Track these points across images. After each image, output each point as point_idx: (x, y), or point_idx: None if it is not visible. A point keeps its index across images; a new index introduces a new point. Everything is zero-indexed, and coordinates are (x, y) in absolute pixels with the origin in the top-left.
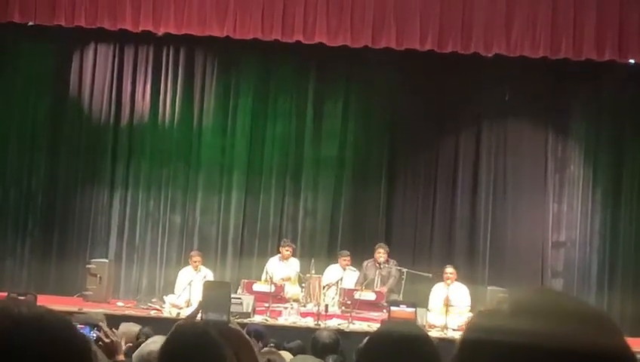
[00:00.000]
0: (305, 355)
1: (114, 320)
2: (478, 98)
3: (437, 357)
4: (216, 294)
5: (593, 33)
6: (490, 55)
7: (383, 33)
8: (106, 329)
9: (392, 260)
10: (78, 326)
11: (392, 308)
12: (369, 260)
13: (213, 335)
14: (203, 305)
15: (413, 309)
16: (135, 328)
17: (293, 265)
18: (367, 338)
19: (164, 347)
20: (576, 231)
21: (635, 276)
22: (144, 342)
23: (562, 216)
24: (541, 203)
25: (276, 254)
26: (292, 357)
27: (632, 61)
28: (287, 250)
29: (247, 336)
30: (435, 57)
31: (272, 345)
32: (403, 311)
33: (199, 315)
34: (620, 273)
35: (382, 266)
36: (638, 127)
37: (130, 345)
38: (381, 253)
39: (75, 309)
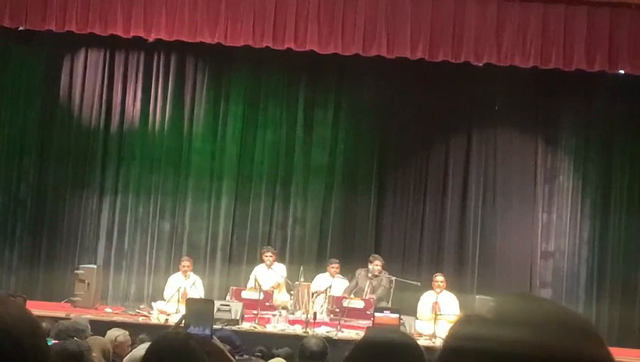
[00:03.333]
0: None
1: (102, 326)
2: (468, 107)
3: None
4: (200, 310)
5: (583, 44)
6: (480, 64)
7: (374, 41)
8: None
9: (384, 271)
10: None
11: (377, 315)
12: (362, 269)
13: (193, 346)
14: (187, 320)
15: (397, 315)
16: (117, 332)
17: (279, 270)
18: (352, 346)
19: (147, 354)
20: (565, 241)
21: (623, 286)
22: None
23: (551, 226)
24: (530, 213)
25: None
26: None
27: (622, 72)
28: (269, 256)
29: (229, 355)
30: (425, 66)
31: (261, 349)
32: (387, 316)
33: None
34: (608, 283)
35: (375, 276)
36: (628, 138)
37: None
38: (377, 265)
39: (63, 315)
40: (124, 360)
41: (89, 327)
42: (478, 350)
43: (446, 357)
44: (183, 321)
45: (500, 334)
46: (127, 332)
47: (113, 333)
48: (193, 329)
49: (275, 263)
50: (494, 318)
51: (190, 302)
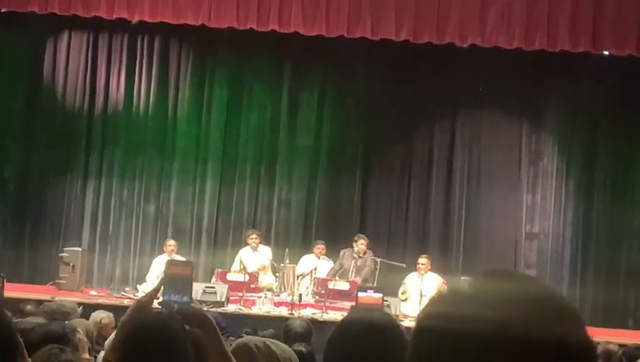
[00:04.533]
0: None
1: (87, 309)
2: (453, 89)
3: (404, 342)
4: (179, 275)
5: (568, 24)
6: (465, 46)
7: (359, 23)
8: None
9: (369, 251)
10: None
11: (360, 294)
12: (346, 249)
13: (175, 327)
14: (165, 287)
15: (381, 294)
16: (102, 314)
17: (265, 252)
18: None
19: (126, 338)
20: (550, 223)
21: (607, 267)
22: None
23: (536, 207)
24: (515, 194)
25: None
26: None
27: (606, 53)
28: (254, 239)
29: (209, 316)
30: (410, 48)
31: (247, 331)
32: (370, 296)
33: (160, 296)
34: (592, 264)
35: (359, 256)
36: (612, 119)
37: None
38: (363, 245)
39: (48, 298)
40: (106, 342)
41: (77, 311)
42: (451, 328)
43: (419, 335)
44: (162, 288)
45: (473, 312)
46: (111, 315)
47: (98, 315)
48: (172, 298)
49: (261, 246)
50: (469, 296)
51: (170, 264)
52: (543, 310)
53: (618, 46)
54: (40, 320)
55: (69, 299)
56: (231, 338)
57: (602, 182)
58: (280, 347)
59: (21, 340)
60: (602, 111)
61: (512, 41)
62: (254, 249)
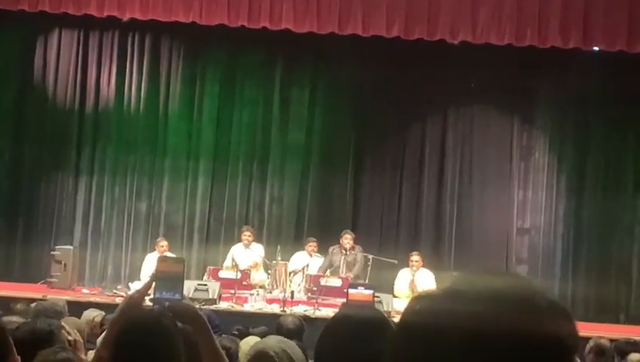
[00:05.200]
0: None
1: (79, 307)
2: (445, 85)
3: None
4: (170, 272)
5: (558, 20)
6: (456, 42)
7: (350, 20)
8: (68, 329)
9: (357, 246)
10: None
11: (350, 291)
12: (335, 246)
13: (166, 325)
14: (156, 284)
15: (372, 291)
16: (94, 313)
17: (257, 250)
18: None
19: (116, 335)
20: (541, 218)
21: (598, 262)
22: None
23: (527, 203)
24: (506, 190)
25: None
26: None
27: (596, 48)
28: (247, 236)
29: (201, 313)
30: (401, 44)
31: (238, 328)
32: (361, 293)
33: (152, 292)
34: (583, 259)
35: (348, 252)
36: (603, 114)
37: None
38: (347, 239)
39: (40, 296)
40: (98, 340)
41: (66, 308)
42: (432, 325)
43: (401, 334)
44: (154, 285)
45: (453, 309)
46: (103, 313)
47: (90, 314)
48: (164, 295)
49: (254, 243)
50: (449, 294)
51: (161, 260)
52: (525, 305)
53: (608, 42)
54: (17, 319)
55: (58, 297)
56: (224, 335)
57: (593, 178)
58: (294, 350)
59: (10, 339)
60: (593, 106)
61: (503, 38)
62: (247, 246)
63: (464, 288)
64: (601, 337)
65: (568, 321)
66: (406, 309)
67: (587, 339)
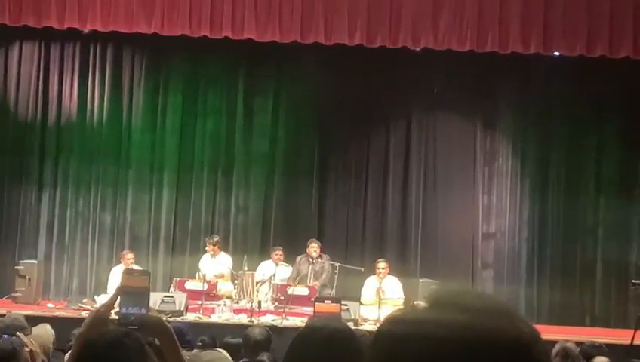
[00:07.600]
0: (213, 351)
1: (44, 322)
2: (407, 92)
3: (361, 352)
4: (136, 286)
5: (519, 26)
6: (418, 49)
7: (312, 28)
8: (25, 339)
9: (324, 255)
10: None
11: (317, 304)
12: (302, 255)
13: (128, 344)
14: (121, 299)
15: (338, 304)
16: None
17: (225, 260)
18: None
19: (80, 353)
20: (506, 222)
21: (563, 265)
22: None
23: (491, 207)
24: (471, 195)
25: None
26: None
27: (557, 53)
28: (212, 246)
29: (168, 325)
30: (364, 52)
31: (202, 339)
32: (327, 305)
33: (117, 307)
34: (548, 262)
35: (315, 261)
36: (564, 119)
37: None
38: (314, 248)
39: (4, 311)
40: (66, 356)
41: (27, 325)
42: (412, 333)
43: (379, 341)
44: (119, 298)
45: (432, 318)
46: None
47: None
48: (129, 310)
49: (222, 253)
50: (429, 305)
51: (126, 273)
52: (491, 313)
53: (568, 46)
54: None
55: (17, 312)
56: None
57: (556, 181)
58: None
59: None
60: (554, 110)
61: (464, 44)
62: (215, 255)
63: (442, 300)
64: (567, 341)
65: (520, 320)
66: (385, 319)
67: (553, 343)
